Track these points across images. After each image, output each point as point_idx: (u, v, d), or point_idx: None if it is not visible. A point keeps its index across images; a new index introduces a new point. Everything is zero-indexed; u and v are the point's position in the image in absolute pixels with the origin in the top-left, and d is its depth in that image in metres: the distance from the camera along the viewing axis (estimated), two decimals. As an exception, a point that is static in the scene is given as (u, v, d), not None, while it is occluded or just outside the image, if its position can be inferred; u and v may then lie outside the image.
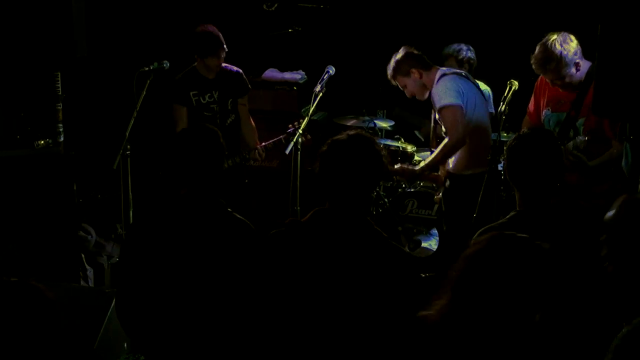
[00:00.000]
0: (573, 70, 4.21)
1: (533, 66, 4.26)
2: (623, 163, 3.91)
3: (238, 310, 2.89)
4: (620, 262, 2.62)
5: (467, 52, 5.48)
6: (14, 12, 5.54)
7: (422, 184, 5.53)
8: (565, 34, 4.22)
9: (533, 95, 4.57)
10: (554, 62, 4.17)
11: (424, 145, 5.91)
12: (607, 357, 1.86)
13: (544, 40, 4.22)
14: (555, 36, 4.20)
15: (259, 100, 6.31)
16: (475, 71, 5.38)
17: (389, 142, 5.84)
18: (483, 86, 5.24)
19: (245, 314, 2.83)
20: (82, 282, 5.15)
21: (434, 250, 5.44)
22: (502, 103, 4.41)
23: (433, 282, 2.48)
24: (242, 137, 5.46)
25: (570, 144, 4.13)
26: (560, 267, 2.43)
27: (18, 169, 5.02)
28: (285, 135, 5.12)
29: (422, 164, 4.90)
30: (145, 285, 3.01)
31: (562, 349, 2.74)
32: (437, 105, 4.65)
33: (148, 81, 4.92)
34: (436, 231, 5.43)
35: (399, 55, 4.83)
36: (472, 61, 5.48)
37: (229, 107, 5.34)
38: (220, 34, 5.14)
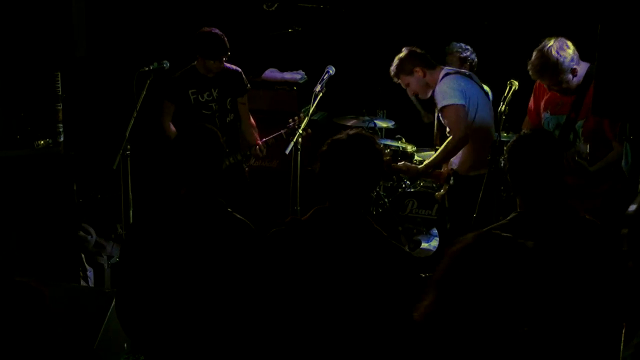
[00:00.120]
0: (570, 76, 4.20)
1: (530, 72, 4.26)
2: (623, 163, 3.91)
3: (238, 310, 2.89)
4: None
5: (470, 52, 5.50)
6: (14, 12, 5.54)
7: (422, 183, 5.53)
8: (562, 39, 4.21)
9: (532, 95, 4.57)
10: (551, 69, 4.17)
11: (424, 144, 5.91)
12: (628, 352, 1.86)
13: (540, 47, 4.21)
14: (551, 42, 4.19)
15: (258, 100, 6.32)
16: (476, 71, 5.39)
17: (389, 142, 5.84)
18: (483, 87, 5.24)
19: (245, 313, 2.83)
20: (82, 282, 5.15)
21: (434, 250, 5.43)
22: (502, 103, 4.42)
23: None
24: (243, 135, 5.46)
25: (572, 151, 4.11)
26: (546, 265, 2.44)
27: (18, 169, 5.02)
28: (285, 130, 5.12)
29: (425, 162, 4.91)
30: (145, 285, 3.01)
31: (564, 350, 2.75)
32: (440, 104, 4.66)
33: (148, 81, 4.92)
34: (436, 231, 5.43)
35: (403, 53, 4.83)
36: (474, 62, 5.50)
37: (228, 106, 5.34)
38: (227, 41, 5.14)
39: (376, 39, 6.61)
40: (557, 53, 4.15)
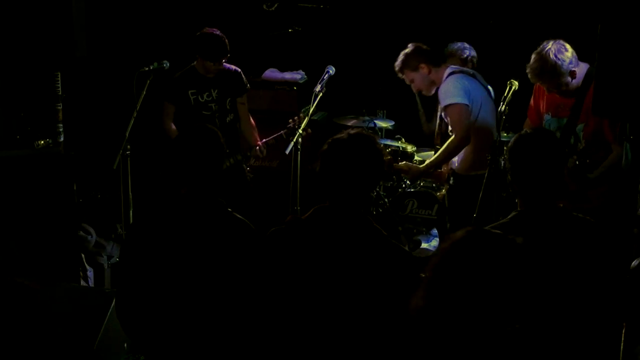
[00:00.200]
0: (569, 78, 4.20)
1: (529, 75, 4.26)
2: (623, 162, 3.91)
3: (238, 310, 2.89)
4: None
5: (469, 50, 5.49)
6: (14, 12, 5.54)
7: (422, 183, 5.54)
8: (560, 42, 4.21)
9: (533, 96, 4.57)
10: (550, 72, 4.17)
11: (424, 144, 5.91)
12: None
13: (538, 50, 4.21)
14: (549, 46, 4.18)
15: (258, 100, 6.32)
16: (476, 68, 5.38)
17: (389, 142, 5.84)
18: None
19: (245, 313, 2.84)
20: (82, 282, 5.15)
21: (434, 250, 5.44)
22: (502, 103, 4.42)
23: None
24: (243, 135, 5.46)
25: (573, 159, 4.10)
26: (538, 262, 2.45)
27: (18, 169, 5.01)
28: (285, 130, 5.12)
29: (426, 162, 4.91)
30: (145, 285, 3.01)
31: (559, 349, 2.75)
32: (443, 103, 4.66)
33: (148, 81, 4.92)
34: (436, 231, 5.44)
35: (409, 49, 4.82)
36: (474, 60, 5.49)
37: (228, 107, 5.34)
38: (227, 43, 5.13)
39: (376, 39, 6.61)
40: (555, 56, 4.15)
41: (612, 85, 3.41)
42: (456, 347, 2.08)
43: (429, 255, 5.42)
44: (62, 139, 5.26)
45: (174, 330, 2.97)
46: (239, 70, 5.40)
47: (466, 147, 4.71)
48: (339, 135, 2.78)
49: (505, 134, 4.76)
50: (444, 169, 4.96)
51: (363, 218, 2.71)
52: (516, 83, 4.42)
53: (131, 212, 4.99)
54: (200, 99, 5.26)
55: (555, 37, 4.26)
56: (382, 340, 2.52)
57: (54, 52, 5.66)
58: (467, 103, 4.58)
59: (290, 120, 5.12)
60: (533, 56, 4.22)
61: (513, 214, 2.96)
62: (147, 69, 4.97)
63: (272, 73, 6.75)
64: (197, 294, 2.95)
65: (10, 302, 2.22)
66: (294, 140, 4.96)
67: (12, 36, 5.50)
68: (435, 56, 4.81)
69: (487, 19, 6.27)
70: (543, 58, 4.16)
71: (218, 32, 5.13)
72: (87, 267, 5.31)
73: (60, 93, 5.24)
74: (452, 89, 4.61)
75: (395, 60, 4.89)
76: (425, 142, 5.89)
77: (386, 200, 5.54)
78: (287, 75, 6.69)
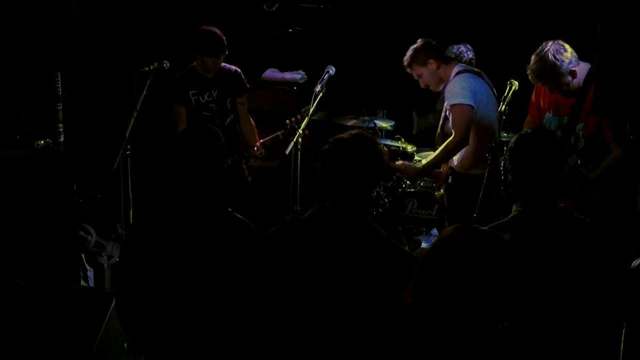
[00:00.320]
0: (569, 78, 4.21)
1: (529, 76, 4.26)
2: None
3: (238, 309, 2.89)
4: None
5: (468, 53, 5.50)
6: (14, 12, 5.54)
7: (422, 183, 5.54)
8: (560, 43, 4.21)
9: (534, 94, 4.58)
10: (549, 73, 4.17)
11: (424, 144, 5.91)
12: None
13: (538, 51, 4.21)
14: (548, 46, 4.19)
15: (258, 100, 6.32)
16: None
17: (389, 142, 5.84)
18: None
19: (245, 313, 2.84)
20: (82, 282, 5.15)
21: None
22: (502, 103, 4.42)
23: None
24: (242, 135, 5.46)
25: (573, 157, 4.10)
26: (526, 259, 2.45)
27: (18, 169, 5.02)
28: (283, 131, 5.11)
29: (424, 161, 4.91)
30: (145, 285, 3.01)
31: (555, 347, 2.75)
32: (449, 102, 4.66)
33: (148, 81, 4.92)
34: (436, 231, 5.43)
35: (418, 44, 4.81)
36: (473, 62, 5.49)
37: (228, 107, 5.34)
38: (225, 39, 5.13)
39: (376, 39, 6.61)
40: (554, 57, 4.15)
41: (612, 85, 3.41)
42: (445, 343, 2.08)
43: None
44: (62, 139, 5.25)
45: (174, 330, 2.97)
46: (239, 70, 5.40)
47: (467, 146, 4.71)
48: (340, 135, 2.78)
49: (505, 134, 4.76)
50: (443, 168, 4.96)
51: (363, 218, 2.71)
52: (516, 83, 4.42)
53: (131, 212, 4.99)
54: (201, 100, 5.26)
55: (555, 37, 4.27)
56: (381, 340, 2.52)
57: (54, 52, 5.66)
58: (472, 104, 4.58)
59: (288, 120, 5.12)
60: (532, 57, 4.22)
61: (513, 213, 2.96)
62: (147, 69, 4.96)
63: (272, 73, 6.75)
64: (197, 294, 2.96)
65: (10, 302, 2.21)
66: (294, 140, 4.96)
67: (12, 36, 5.50)
68: (444, 52, 4.83)
69: (486, 19, 6.27)
70: (542, 59, 4.17)
71: (215, 29, 5.14)
72: (87, 267, 5.31)
73: (60, 93, 5.23)
74: (458, 89, 4.60)
75: (404, 55, 4.87)
76: (425, 142, 5.89)
77: (386, 200, 5.54)
78: (287, 75, 6.69)
